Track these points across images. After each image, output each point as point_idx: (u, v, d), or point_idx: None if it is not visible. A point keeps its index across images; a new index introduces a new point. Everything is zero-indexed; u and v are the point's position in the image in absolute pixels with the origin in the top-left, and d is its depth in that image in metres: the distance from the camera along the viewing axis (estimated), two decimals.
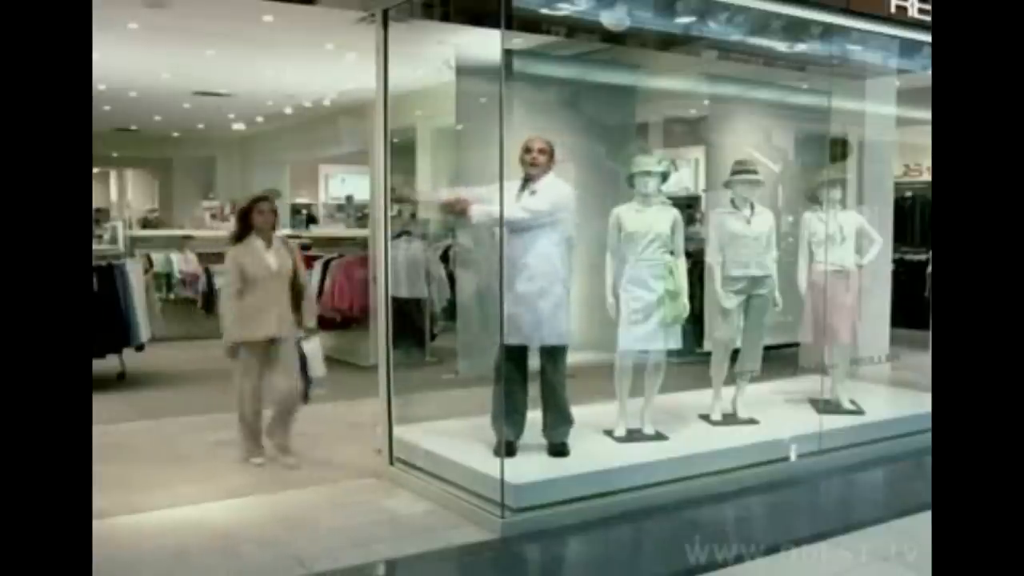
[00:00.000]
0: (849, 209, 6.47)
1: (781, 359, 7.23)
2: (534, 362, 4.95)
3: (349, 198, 17.03)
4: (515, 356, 4.81)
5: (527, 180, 4.89)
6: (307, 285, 5.71)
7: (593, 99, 7.77)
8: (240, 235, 5.40)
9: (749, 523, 4.75)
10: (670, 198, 5.51)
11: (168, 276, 11.19)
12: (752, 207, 5.71)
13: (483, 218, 4.80)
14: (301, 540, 4.21)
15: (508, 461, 4.53)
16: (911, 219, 10.68)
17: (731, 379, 5.85)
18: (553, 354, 4.91)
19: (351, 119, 11.35)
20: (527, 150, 4.87)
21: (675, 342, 5.21)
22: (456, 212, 5.00)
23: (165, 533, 4.32)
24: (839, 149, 7.23)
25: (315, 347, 5.56)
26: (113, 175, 20.13)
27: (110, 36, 7.48)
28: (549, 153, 4.91)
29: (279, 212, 5.59)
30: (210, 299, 10.40)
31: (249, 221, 5.37)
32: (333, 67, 9.11)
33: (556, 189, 4.90)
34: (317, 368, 5.54)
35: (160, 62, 9.31)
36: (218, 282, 10.73)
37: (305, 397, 5.54)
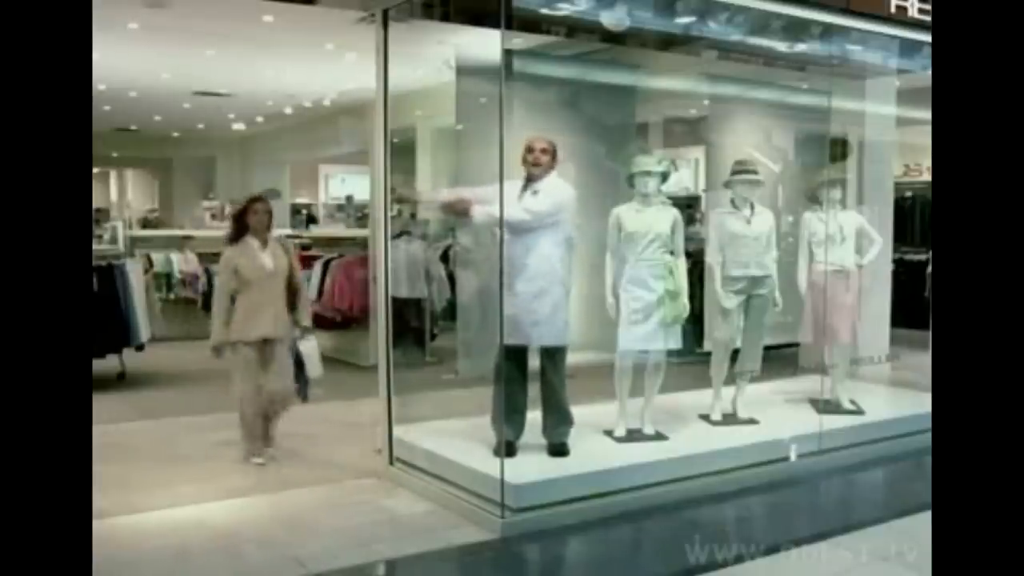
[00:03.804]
0: (849, 209, 6.46)
1: (781, 359, 7.23)
2: (534, 362, 4.95)
3: (349, 198, 17.04)
4: (515, 356, 4.81)
5: (529, 180, 4.88)
6: (303, 285, 5.72)
7: (593, 99, 7.77)
8: (235, 236, 5.42)
9: (749, 523, 4.75)
10: (670, 198, 5.51)
11: (168, 276, 11.20)
12: (752, 207, 5.70)
13: (485, 218, 4.78)
14: (301, 540, 4.21)
15: (508, 461, 4.53)
16: (911, 219, 10.67)
17: (731, 379, 5.85)
18: (552, 354, 4.91)
19: (351, 119, 11.35)
20: (529, 150, 4.85)
21: (675, 342, 5.21)
22: (458, 212, 5.00)
23: (165, 533, 4.32)
24: (839, 149, 7.22)
25: (312, 347, 5.59)
26: (113, 175, 20.14)
27: (110, 36, 7.48)
28: (552, 153, 4.89)
29: (274, 212, 5.60)
30: (210, 299, 10.39)
31: (244, 222, 5.39)
32: (333, 67, 9.11)
33: (558, 190, 4.88)
34: (314, 368, 5.57)
35: (160, 62, 9.31)
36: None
37: (304, 397, 5.55)
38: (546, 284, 4.80)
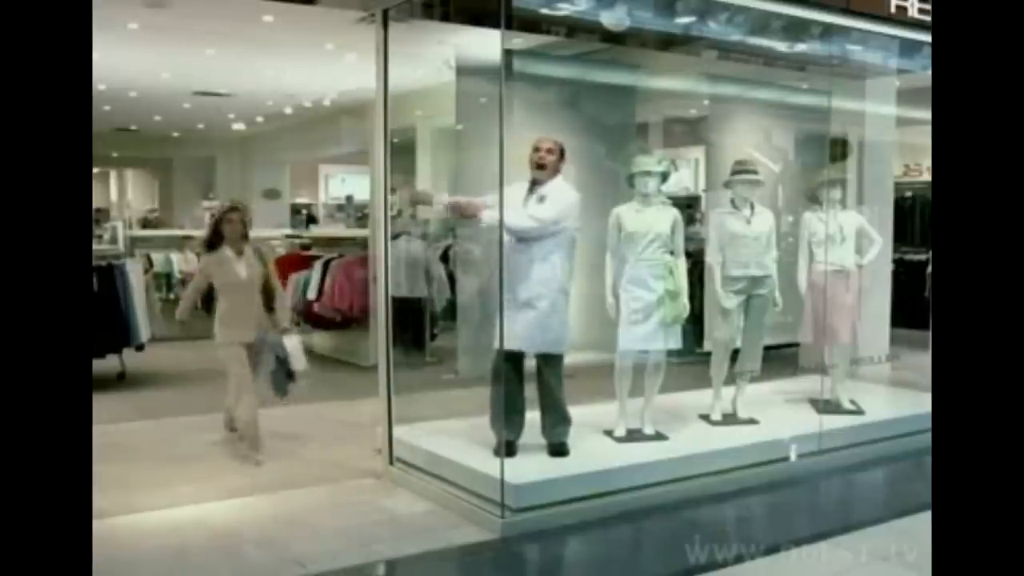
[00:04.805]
0: (849, 209, 6.46)
1: (781, 359, 7.23)
2: (531, 362, 4.94)
3: (349, 198, 17.05)
4: (511, 359, 4.80)
5: (535, 183, 4.87)
6: (279, 289, 5.88)
7: (593, 99, 7.77)
8: (212, 244, 5.54)
9: (749, 523, 4.75)
10: (670, 198, 5.51)
11: (168, 276, 11.20)
12: (752, 207, 5.70)
13: (494, 223, 4.70)
14: (301, 540, 4.21)
15: (508, 461, 4.53)
16: (911, 219, 10.68)
17: (731, 379, 5.84)
18: (549, 358, 4.90)
19: (351, 119, 11.35)
20: (536, 149, 4.85)
21: (675, 342, 5.21)
22: (467, 216, 4.96)
23: (165, 533, 4.32)
24: (839, 149, 7.22)
25: (295, 343, 5.68)
26: (113, 175, 20.16)
27: (110, 36, 7.48)
28: (558, 153, 4.88)
29: (250, 221, 5.73)
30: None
31: (220, 231, 5.50)
32: (333, 67, 9.12)
33: (563, 194, 4.85)
34: (298, 362, 5.63)
35: (160, 62, 9.32)
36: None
37: (284, 392, 5.62)
38: (546, 291, 4.78)
